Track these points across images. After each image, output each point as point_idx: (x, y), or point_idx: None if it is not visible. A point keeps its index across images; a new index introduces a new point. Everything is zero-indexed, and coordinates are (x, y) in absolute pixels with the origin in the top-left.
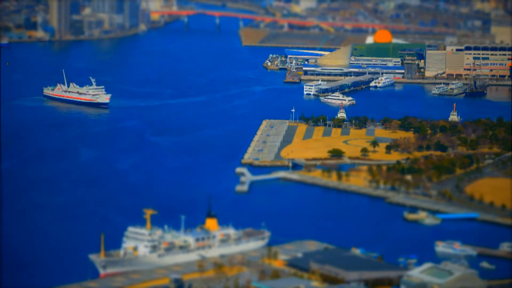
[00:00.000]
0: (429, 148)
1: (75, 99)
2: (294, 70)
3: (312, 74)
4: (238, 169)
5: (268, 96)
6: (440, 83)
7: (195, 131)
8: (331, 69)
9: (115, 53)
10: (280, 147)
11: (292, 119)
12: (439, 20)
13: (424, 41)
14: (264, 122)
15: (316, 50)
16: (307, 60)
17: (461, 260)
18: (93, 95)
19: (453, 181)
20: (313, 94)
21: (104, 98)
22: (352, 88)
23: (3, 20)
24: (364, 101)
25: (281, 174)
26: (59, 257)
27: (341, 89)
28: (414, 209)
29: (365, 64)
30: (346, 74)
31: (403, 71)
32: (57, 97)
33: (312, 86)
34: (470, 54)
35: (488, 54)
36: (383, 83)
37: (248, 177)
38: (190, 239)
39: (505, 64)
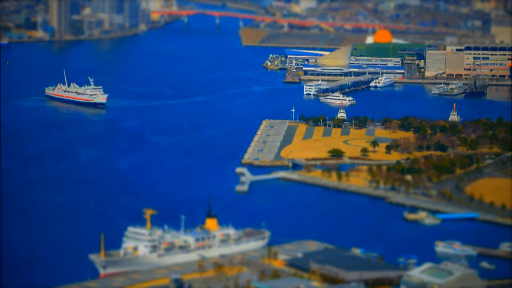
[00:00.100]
0: (429, 148)
1: (74, 99)
2: (294, 70)
3: (312, 74)
4: (238, 169)
5: (268, 96)
6: (440, 83)
7: (195, 131)
8: (331, 69)
9: (115, 53)
10: (280, 147)
11: (292, 119)
12: (439, 20)
13: (424, 41)
14: (264, 122)
15: (316, 50)
16: (307, 60)
17: (461, 260)
18: (91, 95)
19: (453, 181)
20: (313, 94)
21: (101, 98)
22: (352, 88)
23: (3, 20)
24: (364, 101)
25: (281, 174)
26: (59, 257)
27: (341, 89)
28: (414, 209)
29: (365, 64)
30: (346, 74)
31: (403, 71)
32: (57, 97)
33: (312, 86)
34: (470, 54)
35: (488, 54)
36: (383, 83)
37: (248, 177)
38: (190, 239)
39: (505, 64)
